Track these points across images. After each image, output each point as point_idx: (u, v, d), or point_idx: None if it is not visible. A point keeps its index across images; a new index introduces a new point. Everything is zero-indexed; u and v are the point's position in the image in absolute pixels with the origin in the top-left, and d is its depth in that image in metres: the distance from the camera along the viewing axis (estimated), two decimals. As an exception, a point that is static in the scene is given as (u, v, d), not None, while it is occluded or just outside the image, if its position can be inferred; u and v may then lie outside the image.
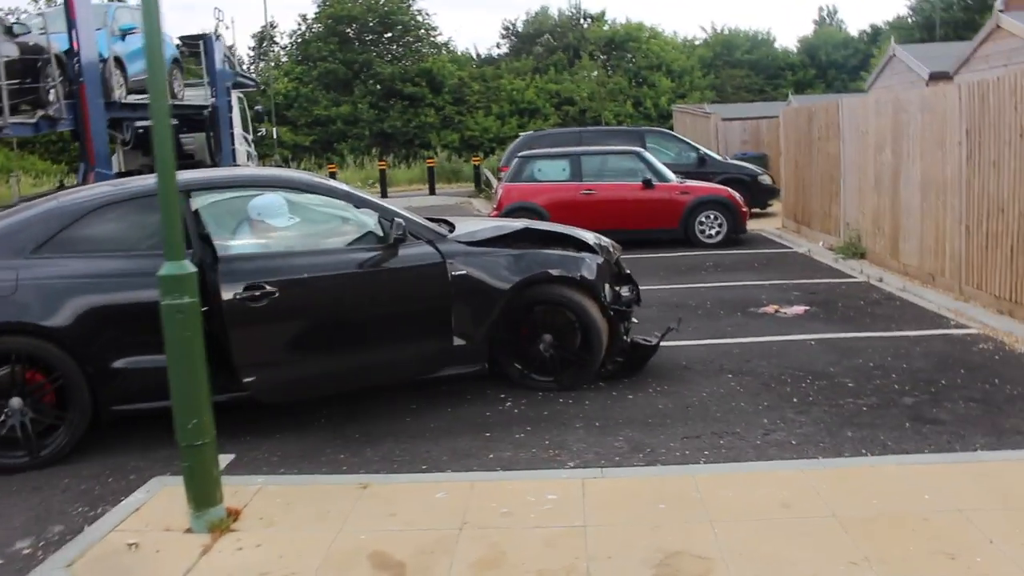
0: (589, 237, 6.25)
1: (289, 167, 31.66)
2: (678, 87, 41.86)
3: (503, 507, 4.23)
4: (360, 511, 4.28)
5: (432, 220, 6.22)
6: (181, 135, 17.81)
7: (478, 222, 6.60)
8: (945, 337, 7.27)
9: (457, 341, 5.53)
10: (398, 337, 5.38)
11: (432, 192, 25.16)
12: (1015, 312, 7.60)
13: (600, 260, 5.93)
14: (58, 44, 11.67)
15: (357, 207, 5.59)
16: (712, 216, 13.56)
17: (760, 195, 17.18)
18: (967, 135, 8.43)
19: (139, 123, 16.58)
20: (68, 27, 11.35)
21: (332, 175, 26.01)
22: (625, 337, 6.11)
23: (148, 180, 5.70)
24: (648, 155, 14.09)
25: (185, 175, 5.96)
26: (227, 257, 5.29)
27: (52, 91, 11.19)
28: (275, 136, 30.13)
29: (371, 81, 40.41)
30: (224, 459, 5.11)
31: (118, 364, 5.17)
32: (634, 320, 6.62)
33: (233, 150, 17.79)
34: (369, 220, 5.53)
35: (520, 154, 14.77)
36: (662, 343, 6.47)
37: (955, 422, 5.20)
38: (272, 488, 4.66)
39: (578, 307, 5.78)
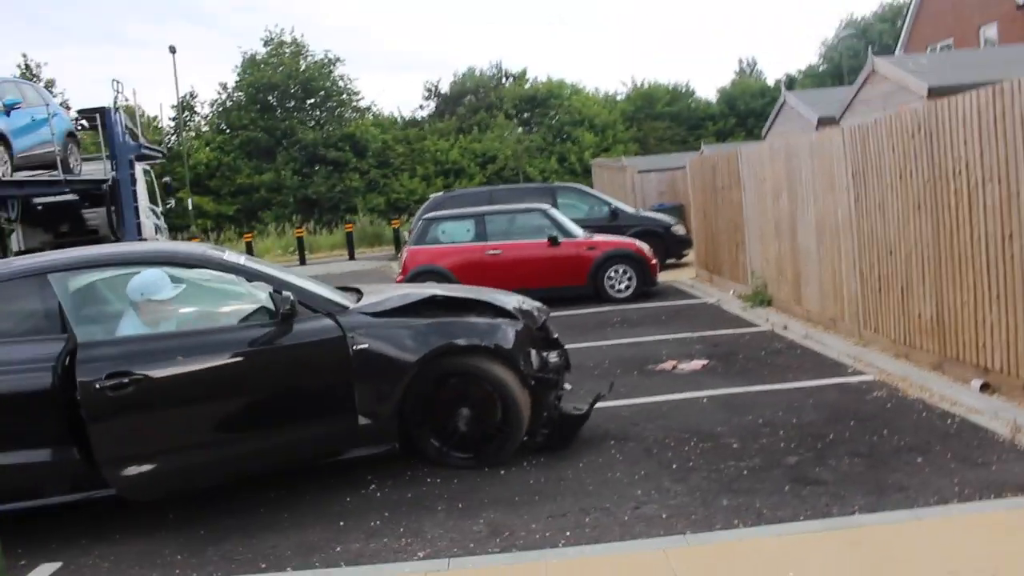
0: (510, 301, 5.93)
1: (206, 238, 31.00)
2: (601, 141, 42.34)
3: (330, 614, 3.76)
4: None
5: (342, 289, 6.06)
6: (83, 210, 17.25)
7: (389, 289, 6.28)
8: (841, 386, 7.09)
9: (363, 420, 5.17)
10: (295, 419, 5.06)
11: (352, 257, 24.74)
12: (911, 355, 7.45)
13: (518, 326, 5.57)
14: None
15: (249, 280, 5.23)
16: (621, 270, 13.40)
17: (674, 246, 17.14)
18: (853, 178, 8.37)
19: (38, 199, 16.00)
20: (-67, 103, 10.80)
21: (248, 244, 25.41)
22: (556, 406, 5.81)
23: (11, 263, 5.42)
24: (554, 212, 13.90)
25: (49, 256, 5.59)
26: (89, 343, 4.90)
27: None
28: (190, 207, 29.58)
29: (294, 148, 40.12)
30: (48, 568, 4.74)
31: None
32: (567, 387, 6.31)
33: (138, 223, 17.23)
34: (262, 294, 5.18)
35: (424, 216, 14.46)
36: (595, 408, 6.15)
37: (837, 481, 4.93)
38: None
39: (494, 378, 5.40)
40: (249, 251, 25.03)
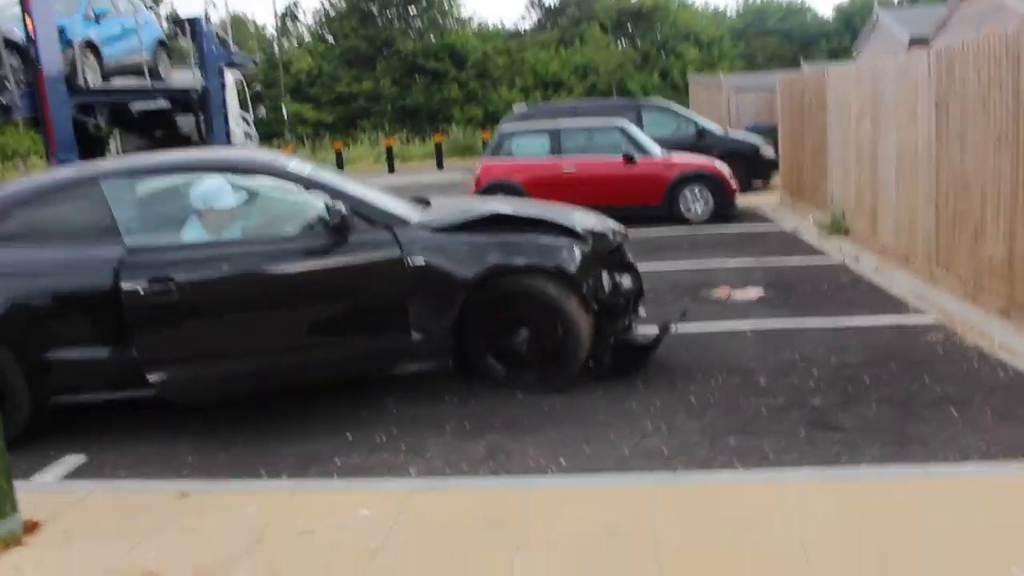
0: (581, 221, 5.62)
1: (301, 146, 31.44)
2: (706, 57, 40.79)
3: (307, 524, 3.82)
4: (165, 524, 3.96)
5: (417, 200, 5.99)
6: (176, 117, 17.63)
7: (457, 203, 6.14)
8: (896, 326, 6.71)
9: (415, 336, 5.10)
10: (343, 332, 5.02)
11: (440, 167, 24.69)
12: (979, 297, 6.99)
13: (585, 248, 5.32)
14: (18, 31, 11.42)
15: (307, 189, 5.15)
16: (697, 191, 12.97)
17: (761, 169, 16.50)
18: (936, 106, 7.77)
19: (135, 106, 16.43)
20: (23, 12, 11.06)
21: (338, 153, 25.63)
22: (625, 332, 5.66)
23: (84, 168, 5.54)
24: (632, 128, 13.46)
25: (105, 163, 5.73)
26: (136, 248, 5.01)
27: (3, 79, 10.92)
28: (285, 115, 29.90)
29: (394, 57, 39.98)
30: (75, 460, 4.95)
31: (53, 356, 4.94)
32: (641, 313, 6.12)
33: (228, 130, 17.52)
34: (322, 205, 5.07)
35: (501, 129, 14.22)
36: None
37: (857, 429, 4.66)
38: (98, 496, 4.36)
39: (552, 301, 5.21)
40: (339, 159, 25.25)
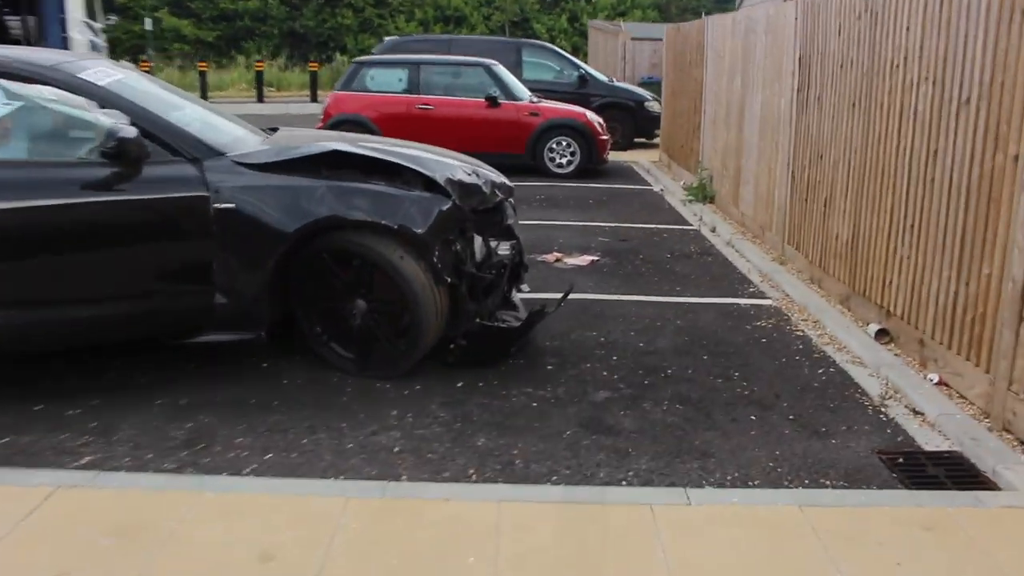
0: (445, 170, 4.73)
1: (169, 65, 29.49)
2: (618, 4, 40.02)
3: None
4: None
5: (270, 130, 5.40)
6: (5, 17, 15.92)
7: (302, 135, 5.39)
8: (728, 308, 6.24)
9: (220, 298, 4.36)
10: (132, 288, 4.25)
11: (314, 99, 23.34)
12: (823, 281, 6.54)
13: (442, 205, 4.49)
14: None
15: (102, 107, 4.26)
16: (564, 143, 12.24)
17: (646, 124, 15.92)
18: (799, 63, 7.20)
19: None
20: None
21: (202, 74, 23.98)
22: (504, 308, 5.05)
23: None
24: (500, 69, 12.59)
25: None
26: None
27: None
28: (148, 26, 27.95)
29: (285, -26, 37.92)
30: None
31: None
32: (524, 288, 5.45)
33: (65, 37, 15.87)
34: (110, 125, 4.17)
35: (356, 60, 13.17)
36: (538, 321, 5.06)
37: (635, 433, 4.11)
38: None
39: (391, 267, 4.39)
40: (203, 82, 23.63)
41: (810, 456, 3.92)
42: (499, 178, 5.20)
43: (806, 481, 3.68)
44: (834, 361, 5.16)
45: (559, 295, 5.61)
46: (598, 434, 4.09)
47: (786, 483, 3.66)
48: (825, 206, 6.59)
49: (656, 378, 4.83)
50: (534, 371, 4.83)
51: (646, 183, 12.34)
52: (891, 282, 5.39)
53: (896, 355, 5.14)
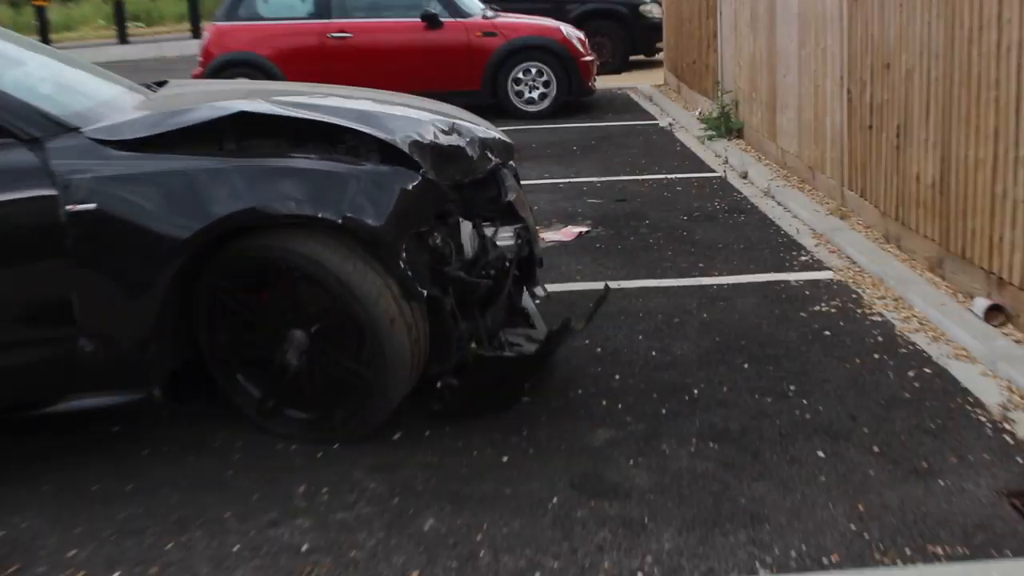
0: (403, 126, 4.29)
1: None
2: None
3: None
4: None
5: (149, 86, 5.03)
6: None
7: (198, 90, 5.16)
8: (772, 289, 6.03)
9: (85, 345, 3.95)
10: None
11: (197, 35, 22.78)
12: (903, 240, 6.39)
13: (408, 180, 4.06)
14: None
15: None
16: (534, 71, 11.98)
17: (644, 35, 15.79)
18: (849, -64, 6.93)
19: None
20: None
21: (39, 9, 23.45)
22: (506, 327, 4.63)
23: None
24: (439, -26, 12.22)
25: None
26: None
27: None
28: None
29: None
30: None
31: None
32: (539, 292, 5.04)
33: None
34: None
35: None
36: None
37: (650, 493, 3.84)
38: None
39: (337, 285, 3.95)
40: (41, 20, 23.07)
41: (910, 509, 3.62)
42: (490, 132, 4.84)
43: (908, 550, 3.37)
44: (929, 357, 4.93)
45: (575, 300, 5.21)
46: (598, 498, 3.79)
47: (879, 556, 3.35)
48: (899, 135, 6.36)
49: (677, 404, 4.55)
50: (470, 426, 4.45)
51: (649, 116, 12.25)
52: (1003, 237, 5.14)
53: (1017, 342, 4.88)
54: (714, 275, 6.34)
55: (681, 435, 4.24)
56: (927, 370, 4.81)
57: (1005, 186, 5.06)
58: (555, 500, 3.79)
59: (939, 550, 3.38)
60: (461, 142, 4.46)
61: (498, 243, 4.63)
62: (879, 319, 5.48)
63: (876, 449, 4.07)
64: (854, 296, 5.84)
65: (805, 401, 4.54)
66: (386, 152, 4.15)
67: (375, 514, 3.74)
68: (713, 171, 9.21)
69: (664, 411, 4.50)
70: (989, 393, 4.49)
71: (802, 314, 5.60)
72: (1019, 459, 3.95)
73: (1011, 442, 4.08)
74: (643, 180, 8.90)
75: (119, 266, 3.97)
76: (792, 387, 4.69)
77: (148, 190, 3.97)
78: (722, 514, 3.65)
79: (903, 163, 6.32)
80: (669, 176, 9.02)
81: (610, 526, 3.61)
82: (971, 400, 4.47)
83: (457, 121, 4.71)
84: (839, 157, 7.50)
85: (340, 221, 3.92)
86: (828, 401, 4.52)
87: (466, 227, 4.42)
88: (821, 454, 4.06)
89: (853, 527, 3.54)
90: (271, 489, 3.93)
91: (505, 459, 4.11)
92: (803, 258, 6.63)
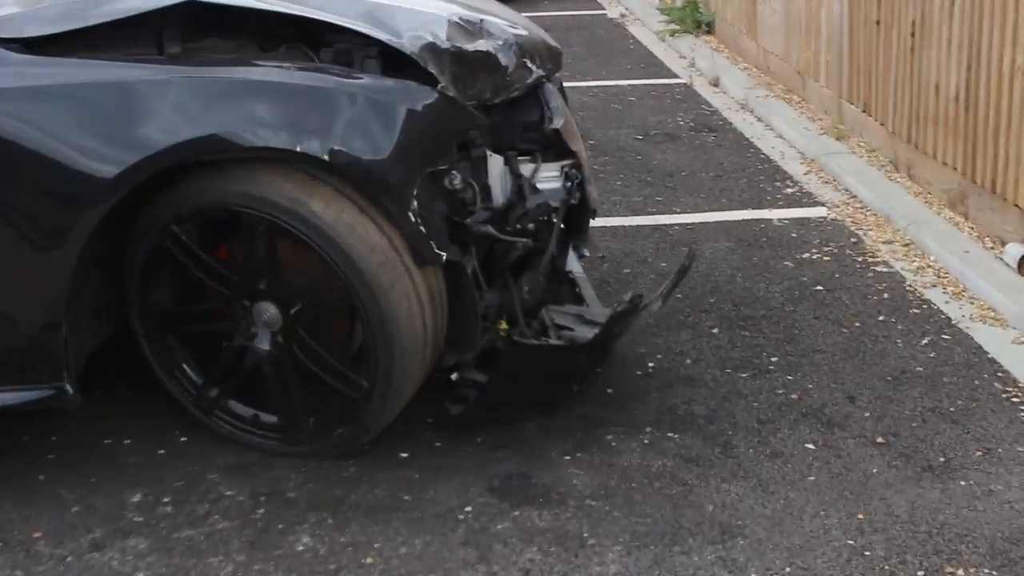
0: (421, 26, 4.11)
1: None
2: None
3: None
4: None
5: None
6: None
7: None
8: (750, 230, 6.14)
9: None
10: None
11: None
12: (914, 167, 6.51)
13: (424, 100, 3.85)
14: None
15: None
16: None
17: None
18: None
19: None
20: None
21: None
22: (547, 305, 4.33)
23: None
24: None
25: None
26: None
27: None
28: None
29: None
30: None
31: None
32: (584, 252, 4.89)
33: None
34: None
35: None
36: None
37: (589, 499, 3.82)
38: None
39: (323, 243, 3.74)
40: None
41: (923, 519, 3.66)
42: (531, 33, 4.60)
43: (921, 573, 3.39)
44: (948, 319, 5.01)
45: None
46: (524, 506, 3.81)
47: None
48: (914, 34, 6.47)
49: (627, 381, 4.60)
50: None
51: (596, 5, 12.43)
52: None
53: None
54: (675, 212, 6.43)
55: (632, 422, 4.27)
56: (945, 336, 4.87)
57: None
58: (469, 509, 3.80)
59: (960, 572, 3.40)
60: (491, 46, 4.23)
61: (540, 186, 4.41)
62: (885, 270, 5.56)
63: (880, 440, 4.12)
64: (853, 240, 5.92)
65: (790, 377, 4.58)
66: (390, 60, 4.01)
67: (233, 531, 3.71)
68: (676, 77, 9.35)
69: (610, 391, 4.53)
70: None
71: (787, 263, 5.66)
72: (1065, 453, 3.96)
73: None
74: (587, 88, 8.98)
75: (19, 216, 3.80)
76: (774, 359, 4.74)
77: (58, 110, 3.79)
78: (683, 526, 3.67)
79: (919, 69, 6.39)
80: (620, 83, 9.15)
81: (539, 543, 3.60)
82: (1000, 375, 4.51)
83: (486, 17, 4.48)
84: (837, 61, 7.62)
85: (326, 157, 3.70)
86: (820, 377, 4.57)
87: (496, 163, 4.17)
88: (810, 446, 4.09)
89: (851, 542, 3.56)
90: (96, 499, 3.89)
91: (404, 455, 4.12)
92: (789, 190, 6.72)
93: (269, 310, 3.91)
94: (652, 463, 4.01)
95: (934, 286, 5.34)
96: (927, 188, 6.28)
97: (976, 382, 4.48)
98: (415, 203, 3.76)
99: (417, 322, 3.83)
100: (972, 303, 5.14)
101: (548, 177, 4.41)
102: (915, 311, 5.10)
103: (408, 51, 3.89)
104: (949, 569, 3.40)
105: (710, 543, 3.57)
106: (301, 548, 3.62)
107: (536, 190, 4.32)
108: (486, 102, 4.12)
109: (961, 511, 3.68)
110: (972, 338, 4.82)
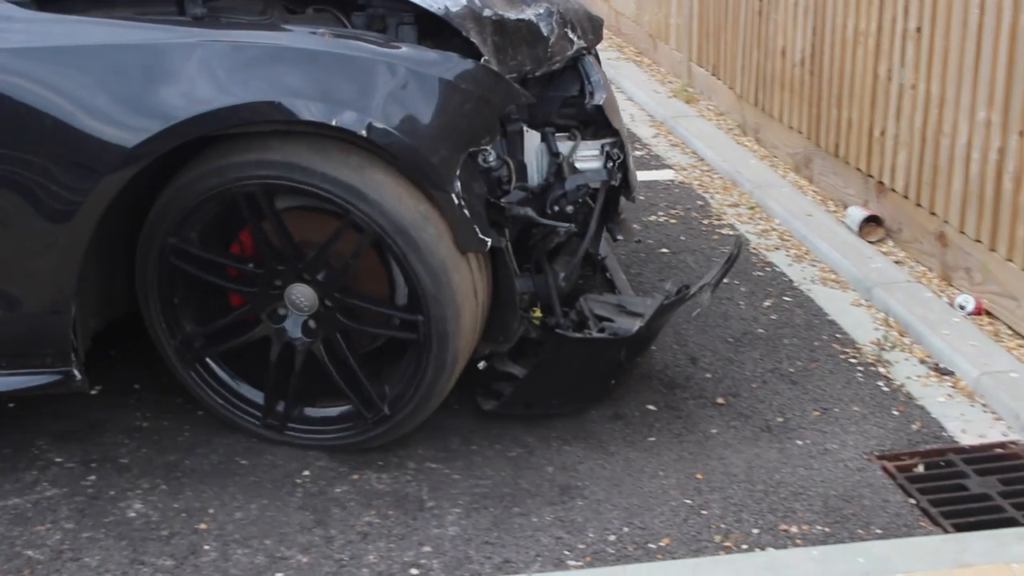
0: None
1: None
2: None
3: None
4: None
5: None
6: None
7: None
8: None
9: None
10: None
11: None
12: (762, 131, 6.60)
13: (468, 72, 3.63)
14: None
15: None
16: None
17: None
18: None
19: None
20: None
21: None
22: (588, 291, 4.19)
23: None
24: None
25: None
26: None
27: None
28: None
29: None
30: None
31: None
32: (618, 236, 4.71)
33: None
34: None
35: None
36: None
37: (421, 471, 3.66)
38: None
39: (364, 219, 3.52)
40: None
41: (759, 478, 3.72)
42: (570, 1, 4.40)
43: (755, 530, 3.46)
44: (789, 281, 5.10)
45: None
46: (363, 470, 3.80)
47: (719, 539, 3.43)
48: None
49: None
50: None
51: None
52: (884, 130, 5.30)
53: (898, 263, 5.06)
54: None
55: (469, 383, 4.18)
56: (787, 298, 4.94)
57: (890, 65, 5.18)
58: (307, 473, 3.78)
59: (794, 529, 3.46)
60: (531, 14, 4.07)
61: (579, 165, 4.21)
62: (730, 232, 5.61)
63: (720, 400, 4.17)
64: (700, 203, 5.97)
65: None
66: (427, 28, 3.83)
67: (62, 498, 3.65)
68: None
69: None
70: (862, 328, 4.63)
71: (634, 225, 5.56)
72: (895, 411, 4.07)
73: (886, 389, 4.22)
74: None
75: (29, 185, 3.60)
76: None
77: (72, 71, 3.58)
78: (523, 487, 3.68)
79: (766, 33, 6.44)
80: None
81: (378, 506, 3.60)
82: (839, 337, 4.59)
83: None
84: (687, 23, 7.65)
85: (364, 132, 3.50)
86: (662, 339, 4.54)
87: (532, 140, 3.99)
88: (652, 407, 4.12)
89: (689, 502, 3.60)
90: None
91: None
92: (638, 152, 6.71)
93: (305, 292, 3.74)
94: (492, 425, 4.00)
95: (777, 249, 5.41)
96: (774, 152, 6.33)
97: (816, 343, 4.55)
98: (458, 185, 3.57)
99: (471, 311, 3.71)
100: (814, 265, 5.21)
101: (588, 156, 4.23)
102: (758, 273, 5.16)
103: (448, 19, 3.74)
104: (783, 527, 3.46)
105: (549, 504, 3.59)
106: (133, 514, 3.58)
107: (575, 169, 4.14)
108: (526, 75, 3.96)
109: (797, 470, 3.74)
110: (813, 300, 4.90)
